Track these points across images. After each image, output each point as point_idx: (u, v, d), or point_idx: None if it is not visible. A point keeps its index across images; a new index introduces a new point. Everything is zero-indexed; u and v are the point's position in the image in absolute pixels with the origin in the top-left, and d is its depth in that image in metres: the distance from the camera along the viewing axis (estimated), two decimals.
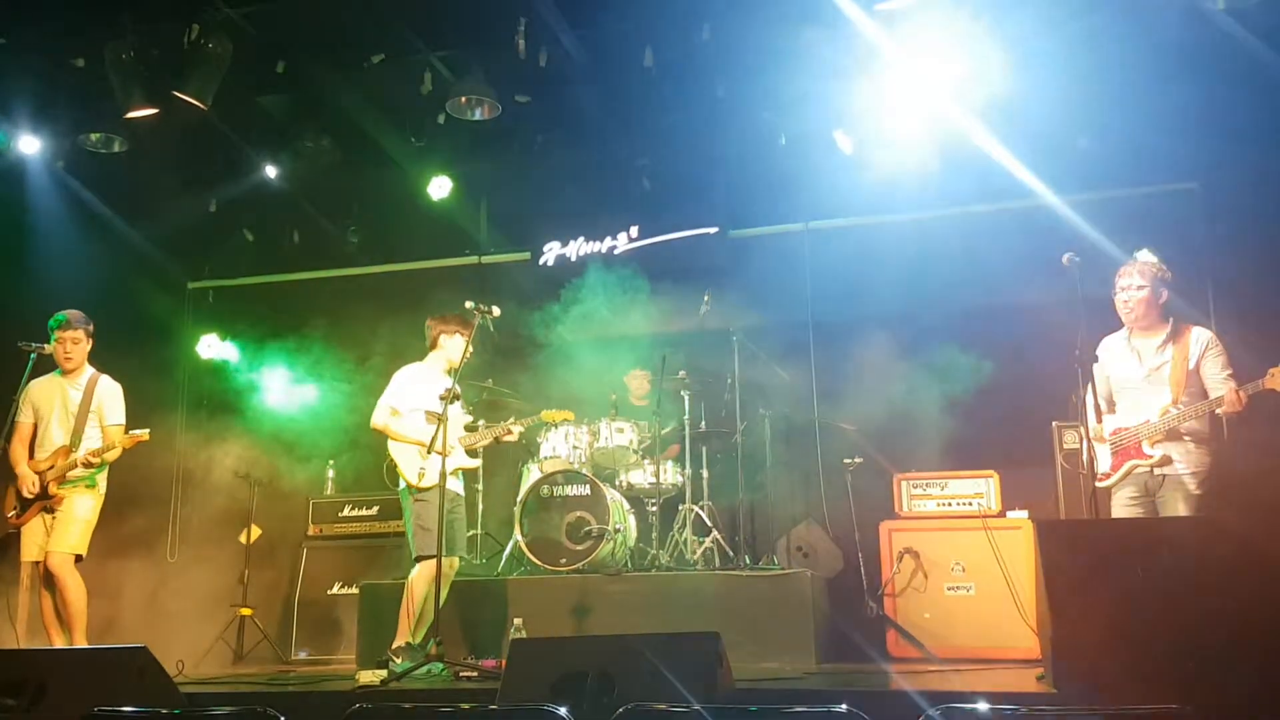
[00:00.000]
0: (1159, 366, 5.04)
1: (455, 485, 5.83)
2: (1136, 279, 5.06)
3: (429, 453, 5.52)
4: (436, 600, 5.35)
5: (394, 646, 5.52)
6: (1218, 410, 4.86)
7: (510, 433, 6.08)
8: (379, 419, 5.78)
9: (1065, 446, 6.23)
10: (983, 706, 3.45)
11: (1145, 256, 5.32)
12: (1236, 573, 3.84)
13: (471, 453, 6.04)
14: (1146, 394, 5.04)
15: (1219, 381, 4.92)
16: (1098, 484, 5.03)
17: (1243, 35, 5.91)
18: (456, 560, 5.79)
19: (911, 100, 6.90)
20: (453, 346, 5.97)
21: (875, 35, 6.29)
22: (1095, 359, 4.95)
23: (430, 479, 5.63)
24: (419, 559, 5.61)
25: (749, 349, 7.13)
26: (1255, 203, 6.48)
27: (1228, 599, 3.76)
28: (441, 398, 5.58)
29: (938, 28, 6.43)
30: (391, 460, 5.82)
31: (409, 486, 5.73)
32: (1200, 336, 5.05)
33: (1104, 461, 5.11)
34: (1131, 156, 6.88)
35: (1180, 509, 4.85)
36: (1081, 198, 7.09)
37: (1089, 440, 4.76)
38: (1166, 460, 4.91)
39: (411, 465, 5.71)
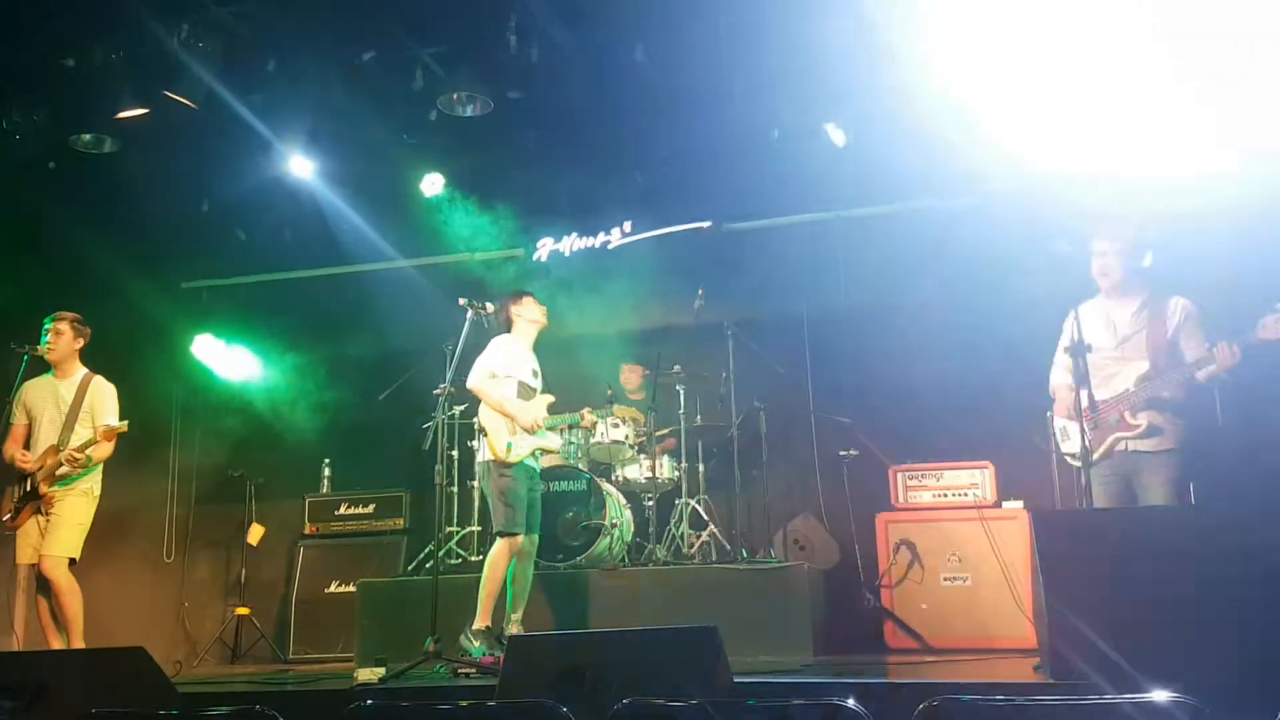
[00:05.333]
0: (1133, 335, 4.88)
1: (534, 463, 5.87)
2: (1114, 240, 4.88)
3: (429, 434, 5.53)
4: (508, 583, 5.55)
5: (473, 629, 5.46)
6: (1200, 373, 4.69)
7: (585, 419, 6.23)
8: (477, 380, 5.67)
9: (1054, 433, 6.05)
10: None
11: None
12: (1232, 560, 3.84)
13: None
14: (1120, 364, 4.88)
15: (1195, 352, 4.78)
16: (1076, 463, 4.97)
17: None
18: (536, 537, 5.82)
19: (903, 91, 6.89)
20: (527, 310, 5.95)
21: (868, 24, 6.28)
22: (1078, 322, 4.68)
23: (517, 453, 5.64)
24: (501, 534, 5.57)
25: (744, 342, 7.14)
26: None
27: (1224, 587, 3.77)
28: (436, 393, 5.60)
29: (930, 17, 6.43)
30: (481, 427, 5.66)
31: (495, 459, 5.62)
32: (1179, 305, 4.87)
33: (1079, 441, 4.96)
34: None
35: (1161, 489, 4.76)
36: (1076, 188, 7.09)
37: (1084, 425, 4.70)
38: (1152, 430, 4.78)
39: (500, 437, 5.63)
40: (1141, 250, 4.93)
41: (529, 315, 5.96)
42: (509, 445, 5.62)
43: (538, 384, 5.93)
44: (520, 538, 5.62)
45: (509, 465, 5.61)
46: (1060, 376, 5.20)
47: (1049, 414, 6.27)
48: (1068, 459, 5.11)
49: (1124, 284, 4.94)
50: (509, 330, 5.95)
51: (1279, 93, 5.07)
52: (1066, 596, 3.96)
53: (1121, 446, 4.87)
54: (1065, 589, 3.98)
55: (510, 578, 5.61)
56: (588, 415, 6.22)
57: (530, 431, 5.73)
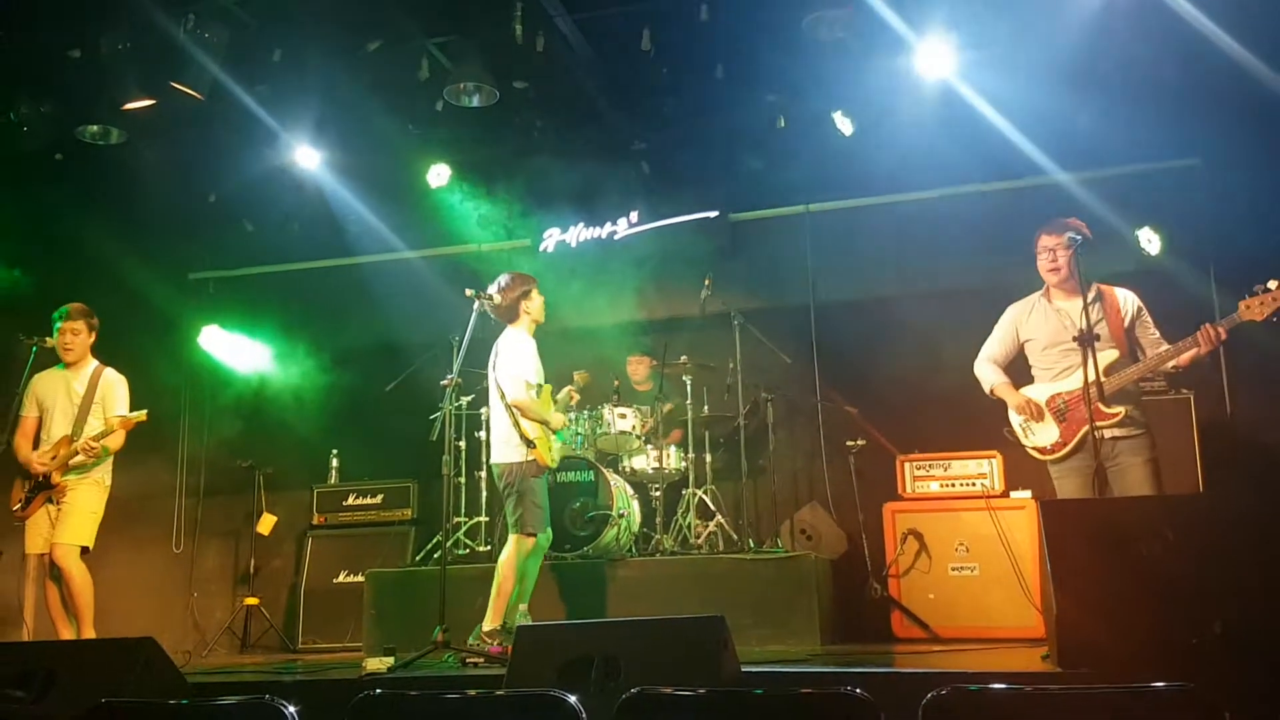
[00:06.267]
0: (1094, 325, 4.85)
1: None
2: (1060, 234, 4.93)
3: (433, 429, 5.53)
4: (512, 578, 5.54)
5: (486, 630, 5.41)
6: (1171, 363, 4.77)
7: (572, 397, 6.36)
8: (520, 393, 5.56)
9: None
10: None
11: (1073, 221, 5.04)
12: (1241, 549, 3.84)
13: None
14: (1081, 354, 4.85)
15: (1154, 342, 4.88)
16: (1045, 458, 4.97)
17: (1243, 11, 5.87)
18: (550, 531, 5.82)
19: (911, 80, 6.87)
20: (535, 306, 5.87)
21: (874, 14, 6.26)
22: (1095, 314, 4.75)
23: (555, 458, 5.75)
24: (527, 534, 5.52)
25: (750, 332, 7.13)
26: (1257, 178, 6.45)
27: (1232, 576, 3.77)
28: (444, 384, 5.58)
29: (937, 6, 6.40)
30: (528, 437, 5.53)
31: (536, 462, 5.54)
32: (1128, 297, 4.98)
33: (1048, 433, 4.97)
34: (1133, 133, 6.84)
35: (1140, 471, 4.76)
36: (1083, 176, 7.06)
37: (1092, 420, 4.67)
38: (1127, 418, 4.79)
39: (545, 445, 5.60)
40: (1082, 244, 4.93)
41: (536, 313, 5.87)
42: (550, 451, 5.63)
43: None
44: (538, 537, 5.61)
45: (543, 469, 5.61)
46: (994, 375, 5.22)
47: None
48: (1033, 453, 5.07)
49: (1074, 279, 4.95)
50: (514, 319, 5.82)
51: None
52: (1074, 586, 3.96)
53: (1097, 435, 4.83)
54: (1073, 578, 3.98)
55: (522, 573, 5.60)
56: (574, 393, 6.40)
57: (554, 431, 5.76)
